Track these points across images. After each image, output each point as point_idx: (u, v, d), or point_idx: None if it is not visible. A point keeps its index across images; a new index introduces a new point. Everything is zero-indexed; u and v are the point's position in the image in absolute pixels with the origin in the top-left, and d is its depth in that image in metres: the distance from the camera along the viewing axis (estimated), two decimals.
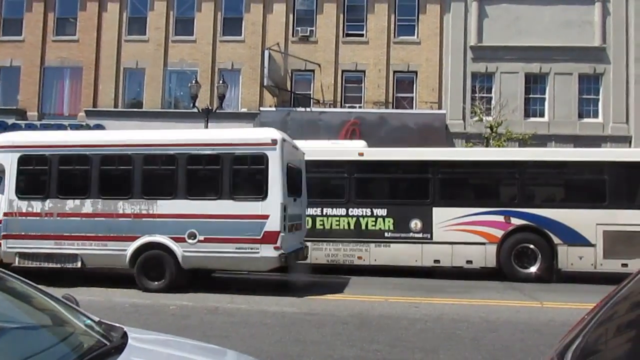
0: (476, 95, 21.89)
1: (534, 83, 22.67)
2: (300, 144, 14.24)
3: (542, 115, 22.48)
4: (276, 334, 6.83)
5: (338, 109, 22.60)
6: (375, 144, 15.19)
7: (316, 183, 13.60)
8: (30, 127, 22.96)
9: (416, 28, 23.10)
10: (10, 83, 24.20)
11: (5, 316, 2.87)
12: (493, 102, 21.84)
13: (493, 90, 22.46)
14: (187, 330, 6.56)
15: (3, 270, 3.15)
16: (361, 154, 12.96)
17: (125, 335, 2.88)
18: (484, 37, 22.66)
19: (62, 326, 2.94)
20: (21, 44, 24.11)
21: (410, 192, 13.14)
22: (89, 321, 2.98)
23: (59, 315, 3.00)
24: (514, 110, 21.36)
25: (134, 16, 24.05)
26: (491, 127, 20.29)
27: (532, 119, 22.24)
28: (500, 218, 12.20)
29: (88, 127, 22.95)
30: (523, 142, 20.01)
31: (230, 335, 6.66)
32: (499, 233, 12.09)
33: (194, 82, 20.16)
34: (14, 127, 22.38)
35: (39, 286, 3.15)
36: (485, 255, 12.14)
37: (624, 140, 21.71)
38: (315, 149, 13.46)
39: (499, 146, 19.39)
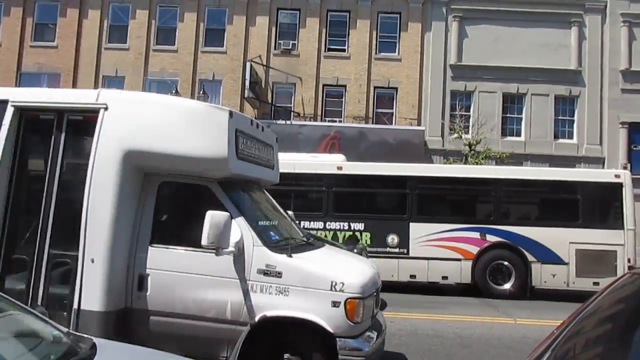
0: (455, 113, 22.17)
1: (512, 103, 23.06)
2: (280, 156, 14.18)
3: (518, 134, 22.84)
4: None
5: (318, 123, 22.67)
6: (354, 158, 15.24)
7: (295, 196, 13.59)
8: None
9: (397, 45, 23.37)
10: None
11: None
12: (471, 120, 22.14)
13: (472, 108, 22.76)
14: None
15: None
16: (340, 168, 13.00)
17: (94, 347, 2.84)
18: (463, 56, 23.01)
19: (31, 336, 2.89)
20: None
21: (388, 207, 13.22)
22: (57, 332, 2.93)
23: (27, 326, 2.95)
24: (491, 129, 21.67)
25: (115, 24, 23.90)
26: (469, 145, 20.52)
27: (509, 138, 22.58)
28: (476, 235, 12.31)
29: None
30: (500, 160, 20.27)
31: None
32: (474, 250, 12.20)
33: (174, 91, 20.10)
34: None
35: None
36: (461, 271, 12.23)
37: (598, 161, 22.15)
38: (295, 162, 13.47)
39: (476, 164, 19.58)
